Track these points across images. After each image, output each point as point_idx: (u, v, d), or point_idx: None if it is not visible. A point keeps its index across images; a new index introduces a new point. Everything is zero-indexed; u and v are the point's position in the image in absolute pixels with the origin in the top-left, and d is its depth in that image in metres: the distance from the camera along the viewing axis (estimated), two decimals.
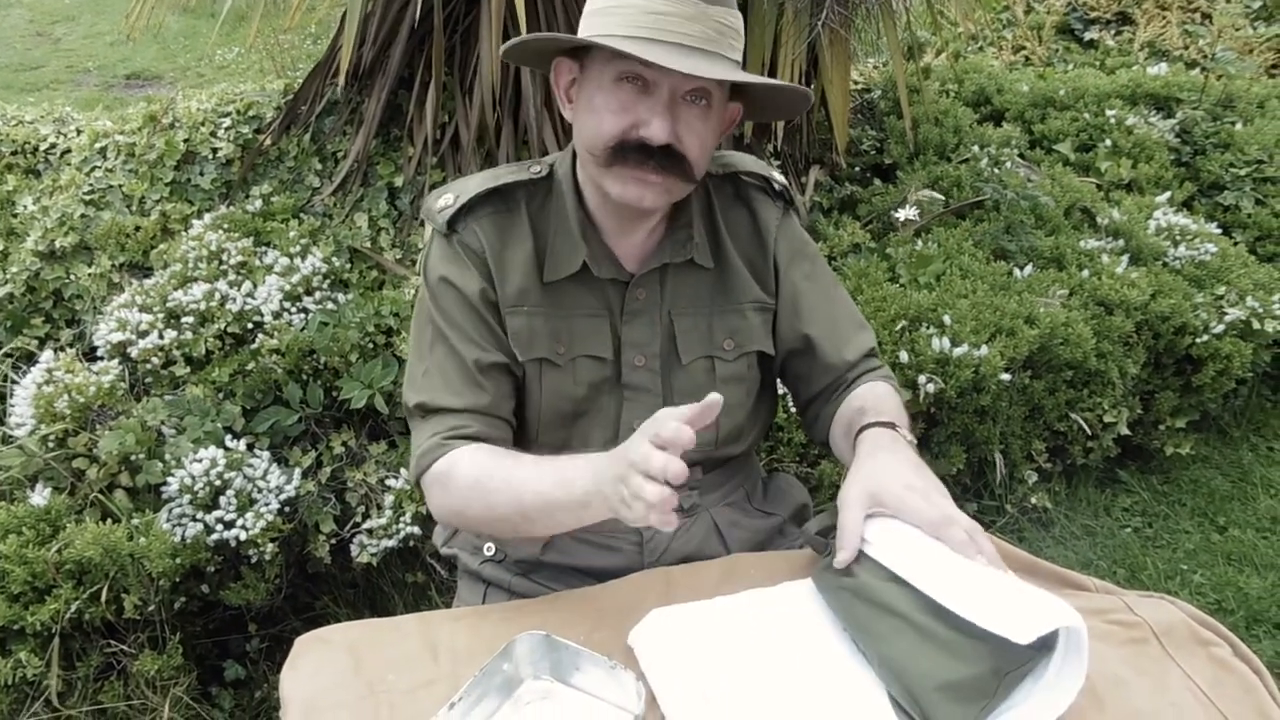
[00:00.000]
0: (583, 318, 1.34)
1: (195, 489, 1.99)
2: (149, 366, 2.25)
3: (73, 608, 1.84)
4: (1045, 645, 1.01)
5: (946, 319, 2.44)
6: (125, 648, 1.96)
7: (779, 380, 1.52)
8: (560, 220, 1.33)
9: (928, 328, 2.44)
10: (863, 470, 1.20)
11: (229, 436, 2.11)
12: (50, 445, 2.03)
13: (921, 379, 2.33)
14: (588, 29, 1.24)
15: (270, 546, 2.03)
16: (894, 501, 1.14)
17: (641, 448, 1.00)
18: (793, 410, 2.29)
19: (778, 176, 1.43)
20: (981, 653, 1.01)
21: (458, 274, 1.31)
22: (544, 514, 1.17)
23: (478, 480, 1.22)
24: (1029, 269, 2.70)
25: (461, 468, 1.24)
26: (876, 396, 1.37)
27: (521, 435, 1.37)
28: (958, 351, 2.35)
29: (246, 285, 2.40)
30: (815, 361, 1.42)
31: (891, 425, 1.28)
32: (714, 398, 1.00)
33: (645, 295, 1.35)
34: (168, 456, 2.04)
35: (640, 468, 1.00)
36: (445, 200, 1.33)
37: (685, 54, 1.17)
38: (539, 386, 1.34)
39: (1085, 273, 2.71)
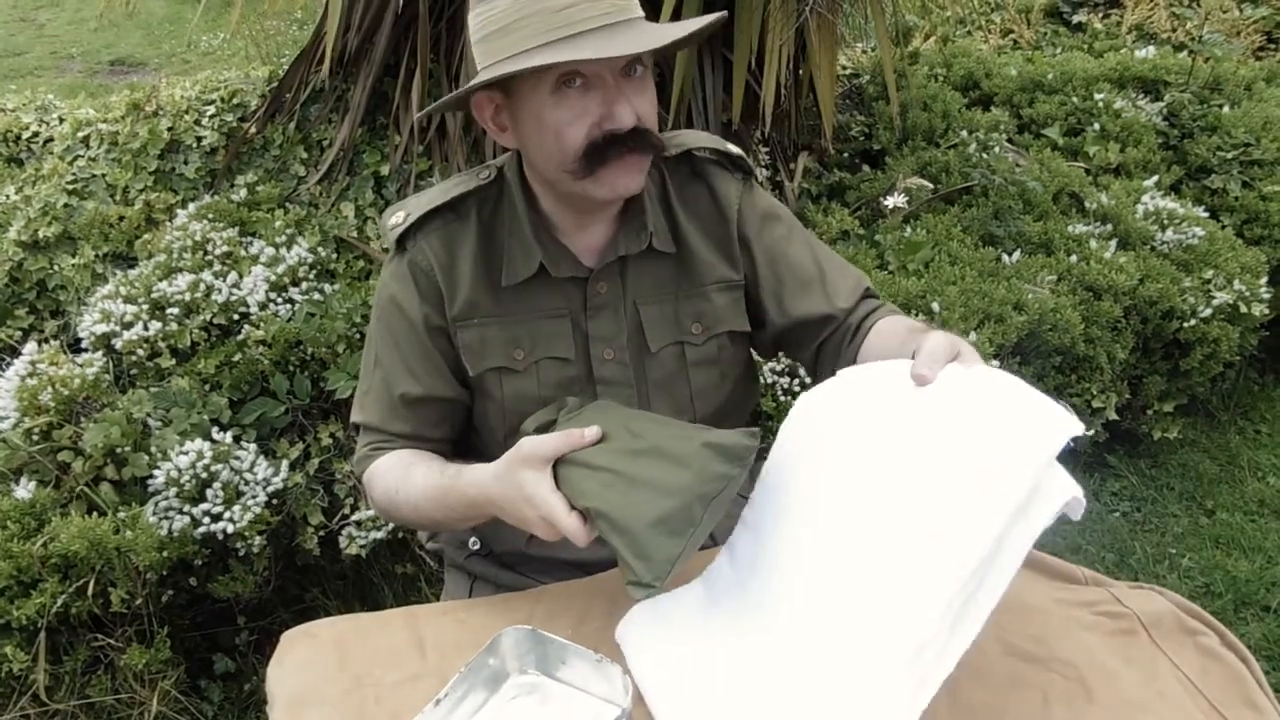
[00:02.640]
0: (543, 319, 1.32)
1: (182, 481, 1.99)
2: (134, 358, 2.24)
3: (59, 602, 1.83)
4: (739, 461, 1.08)
5: (935, 306, 2.44)
6: (113, 641, 1.96)
7: (780, 351, 1.50)
8: (513, 224, 1.31)
9: (917, 314, 2.43)
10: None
11: (215, 429, 2.10)
12: (34, 438, 2.02)
13: None
14: (491, 54, 1.19)
15: (258, 539, 2.02)
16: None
17: (552, 500, 1.09)
18: (783, 400, 2.29)
19: (731, 147, 1.39)
20: (686, 482, 1.06)
21: (405, 296, 1.32)
22: (443, 515, 1.26)
23: (386, 492, 1.31)
24: (1017, 254, 2.70)
25: (376, 480, 1.33)
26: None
27: (490, 440, 1.37)
28: None
29: (232, 276, 2.39)
30: (811, 321, 1.37)
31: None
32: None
33: (607, 289, 1.33)
34: (154, 449, 2.03)
35: (546, 515, 1.09)
36: (397, 218, 1.32)
37: (610, 35, 1.14)
38: (500, 394, 1.33)
39: (1073, 258, 2.71)
